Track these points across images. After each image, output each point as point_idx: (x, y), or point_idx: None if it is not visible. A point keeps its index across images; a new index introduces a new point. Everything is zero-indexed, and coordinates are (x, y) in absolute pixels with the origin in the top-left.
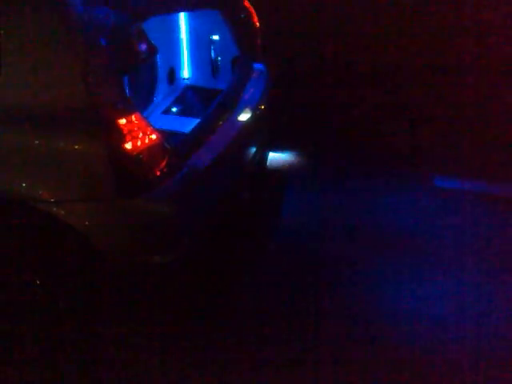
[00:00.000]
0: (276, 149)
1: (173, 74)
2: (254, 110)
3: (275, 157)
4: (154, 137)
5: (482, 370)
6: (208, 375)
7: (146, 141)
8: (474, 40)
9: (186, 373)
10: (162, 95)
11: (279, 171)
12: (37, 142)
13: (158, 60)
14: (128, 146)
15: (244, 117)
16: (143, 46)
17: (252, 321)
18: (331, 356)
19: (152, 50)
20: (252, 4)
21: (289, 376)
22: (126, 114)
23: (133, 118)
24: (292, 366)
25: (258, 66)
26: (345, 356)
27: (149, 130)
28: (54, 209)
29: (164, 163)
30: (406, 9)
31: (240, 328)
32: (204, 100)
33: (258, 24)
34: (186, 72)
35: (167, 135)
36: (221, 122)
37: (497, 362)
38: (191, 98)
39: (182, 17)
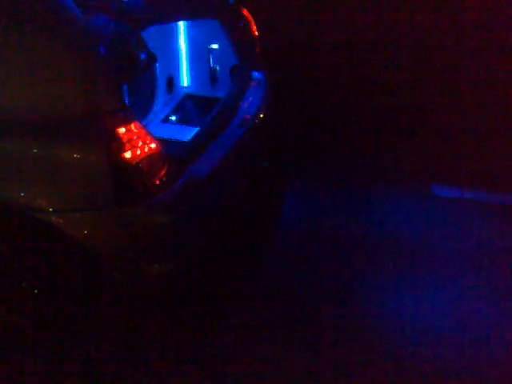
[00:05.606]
0: (276, 156)
1: (172, 82)
2: (253, 118)
3: (275, 163)
4: (153, 145)
5: (481, 380)
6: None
7: (146, 149)
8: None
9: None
10: (161, 104)
11: (279, 178)
12: (35, 150)
13: (157, 68)
14: (127, 154)
15: (243, 125)
16: (142, 55)
17: (249, 328)
18: (331, 366)
19: (151, 59)
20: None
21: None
22: (125, 122)
23: (132, 126)
24: (290, 373)
25: (257, 74)
26: (345, 367)
27: (148, 138)
28: (53, 218)
29: (163, 172)
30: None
31: (237, 335)
32: (203, 108)
33: (256, 33)
34: (184, 80)
35: (166, 144)
36: (220, 131)
37: (497, 370)
38: (190, 107)
39: (181, 26)
